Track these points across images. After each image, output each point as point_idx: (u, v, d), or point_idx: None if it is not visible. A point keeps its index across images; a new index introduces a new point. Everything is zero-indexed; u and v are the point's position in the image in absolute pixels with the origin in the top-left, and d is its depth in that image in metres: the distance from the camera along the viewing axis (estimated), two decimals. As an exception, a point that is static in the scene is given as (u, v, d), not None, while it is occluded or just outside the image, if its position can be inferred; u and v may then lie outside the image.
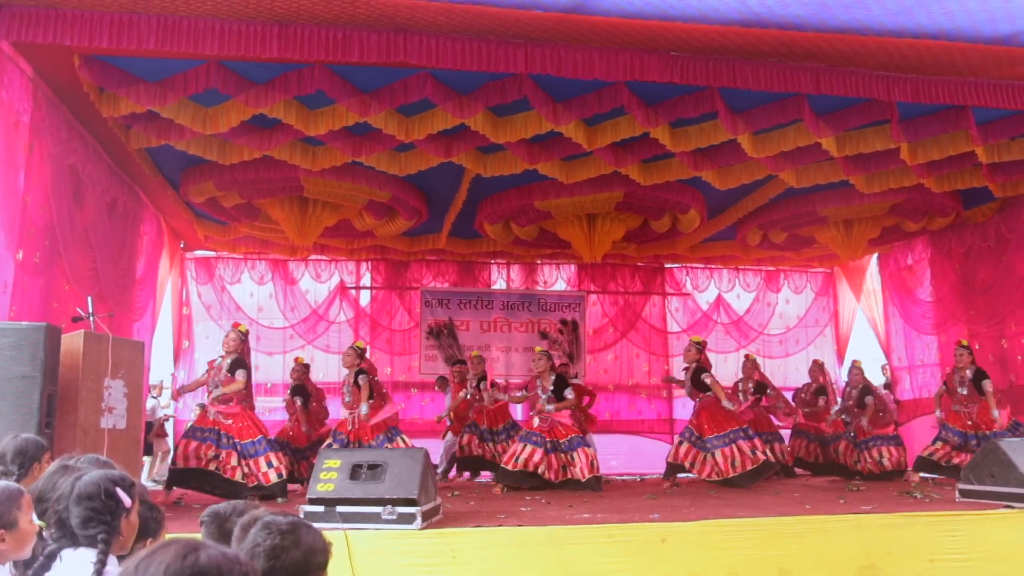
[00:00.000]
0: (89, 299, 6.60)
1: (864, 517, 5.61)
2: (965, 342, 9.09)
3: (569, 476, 8.43)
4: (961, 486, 6.56)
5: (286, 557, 1.91)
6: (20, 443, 3.58)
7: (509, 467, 8.36)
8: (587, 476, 8.32)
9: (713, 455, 8.53)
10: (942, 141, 7.86)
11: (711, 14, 5.93)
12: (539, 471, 8.35)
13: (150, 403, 10.87)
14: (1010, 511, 5.79)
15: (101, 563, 2.24)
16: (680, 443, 8.96)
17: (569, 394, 8.74)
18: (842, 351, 13.69)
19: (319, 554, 1.97)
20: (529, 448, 8.41)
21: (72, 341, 5.89)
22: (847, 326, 13.69)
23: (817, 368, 11.33)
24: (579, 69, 6.31)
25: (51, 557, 2.29)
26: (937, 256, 11.51)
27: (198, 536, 2.29)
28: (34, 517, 2.52)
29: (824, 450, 10.54)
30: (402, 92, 6.70)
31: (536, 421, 8.64)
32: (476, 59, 6.16)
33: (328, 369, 12.00)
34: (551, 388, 8.70)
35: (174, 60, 6.29)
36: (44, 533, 2.57)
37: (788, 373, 13.30)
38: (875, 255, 12.95)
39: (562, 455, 8.49)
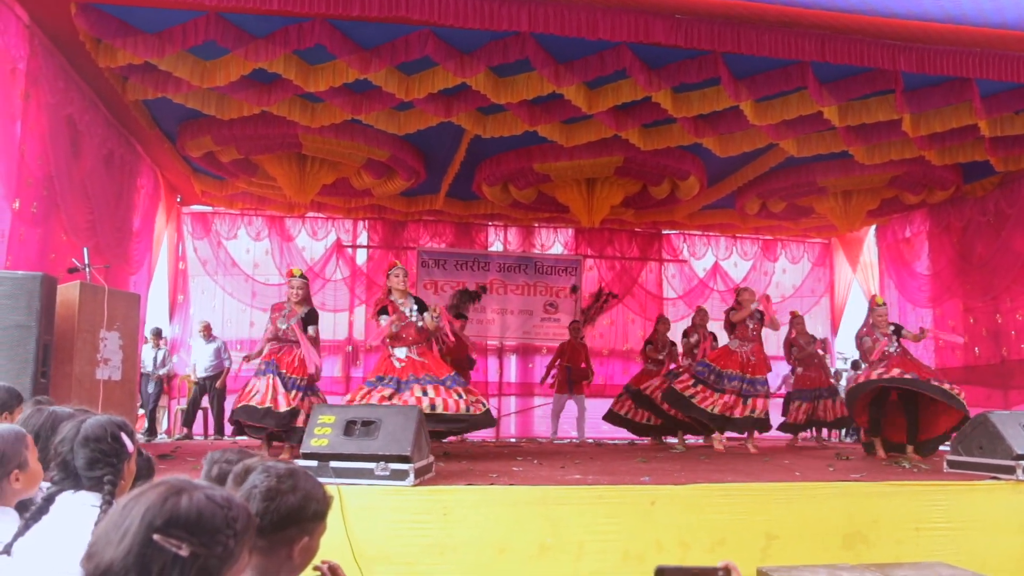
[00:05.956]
0: (85, 250, 6.58)
1: (851, 485, 5.66)
2: (881, 299, 8.59)
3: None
4: (949, 457, 6.60)
5: (281, 500, 1.90)
6: None
7: None
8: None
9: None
10: (945, 113, 7.82)
11: None
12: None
13: (159, 355, 10.77)
14: (997, 483, 5.82)
15: (108, 503, 2.20)
16: None
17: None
18: (837, 322, 13.75)
19: (315, 502, 1.95)
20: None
21: (68, 292, 5.89)
22: (843, 297, 13.72)
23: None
24: (583, 28, 6.23)
25: (49, 500, 2.24)
26: (935, 229, 11.49)
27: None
28: None
29: None
30: (403, 49, 6.64)
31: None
32: (478, 16, 6.09)
33: (323, 326, 11.97)
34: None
35: (173, 11, 6.22)
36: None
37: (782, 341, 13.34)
38: (873, 227, 12.93)
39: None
